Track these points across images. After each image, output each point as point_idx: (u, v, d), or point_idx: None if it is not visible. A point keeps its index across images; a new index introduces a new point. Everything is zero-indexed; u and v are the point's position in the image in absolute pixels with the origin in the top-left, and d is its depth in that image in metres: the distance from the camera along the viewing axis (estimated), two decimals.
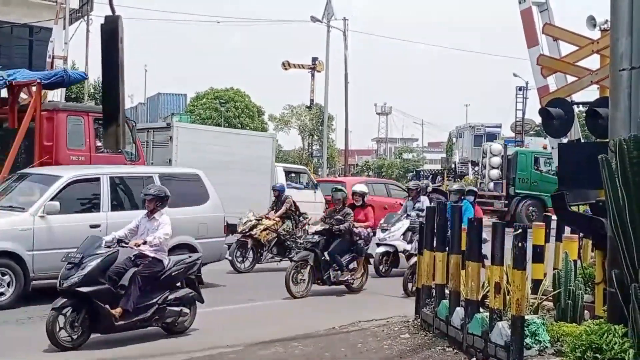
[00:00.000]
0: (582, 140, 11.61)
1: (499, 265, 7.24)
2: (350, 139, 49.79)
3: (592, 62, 10.84)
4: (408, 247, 14.16)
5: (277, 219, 15.69)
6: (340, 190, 13.25)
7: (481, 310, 7.72)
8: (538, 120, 45.63)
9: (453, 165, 49.73)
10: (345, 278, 12.61)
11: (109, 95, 6.06)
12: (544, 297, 8.30)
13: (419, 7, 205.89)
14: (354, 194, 13.68)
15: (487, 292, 7.85)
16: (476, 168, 44.83)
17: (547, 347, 6.86)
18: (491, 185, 29.82)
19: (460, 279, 8.28)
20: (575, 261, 8.27)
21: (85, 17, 32.52)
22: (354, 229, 12.76)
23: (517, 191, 28.98)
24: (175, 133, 18.92)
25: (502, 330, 7.03)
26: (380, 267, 14.67)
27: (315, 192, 22.89)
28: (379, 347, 8.53)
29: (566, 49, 11.84)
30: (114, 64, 5.94)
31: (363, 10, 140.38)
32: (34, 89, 15.16)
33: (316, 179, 26.73)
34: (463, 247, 8.25)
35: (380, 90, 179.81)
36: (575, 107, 10.67)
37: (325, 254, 12.34)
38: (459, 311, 8.03)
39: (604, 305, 7.48)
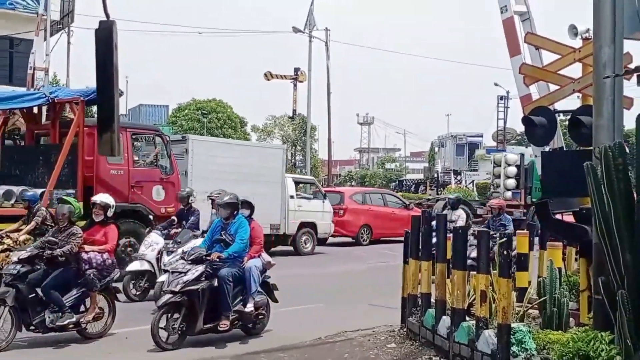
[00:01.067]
0: (565, 149, 11.67)
1: (484, 273, 7.25)
2: (333, 149, 49.75)
3: (574, 70, 10.90)
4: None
5: (25, 236, 12.72)
6: (67, 202, 9.90)
7: (467, 318, 7.72)
8: (519, 129, 46.04)
9: (435, 175, 50.01)
10: (66, 321, 9.20)
11: (104, 102, 5.98)
12: (530, 305, 8.31)
13: (401, 17, 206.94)
14: (93, 205, 9.98)
15: (473, 300, 7.84)
16: (458, 177, 45.19)
17: (533, 354, 6.85)
18: (508, 194, 30.09)
19: (446, 287, 8.28)
20: (559, 269, 8.29)
21: (66, 29, 32.50)
22: (83, 254, 9.47)
23: (533, 200, 29.38)
24: (190, 145, 19.12)
25: (489, 338, 7.03)
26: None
27: (324, 202, 23.12)
28: (365, 357, 8.50)
29: (548, 57, 11.91)
30: (108, 71, 5.84)
31: (345, 20, 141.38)
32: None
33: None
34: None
35: (363, 100, 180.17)
36: (557, 115, 10.72)
37: (39, 290, 9.21)
38: (445, 320, 8.03)
39: (588, 312, 7.51)
